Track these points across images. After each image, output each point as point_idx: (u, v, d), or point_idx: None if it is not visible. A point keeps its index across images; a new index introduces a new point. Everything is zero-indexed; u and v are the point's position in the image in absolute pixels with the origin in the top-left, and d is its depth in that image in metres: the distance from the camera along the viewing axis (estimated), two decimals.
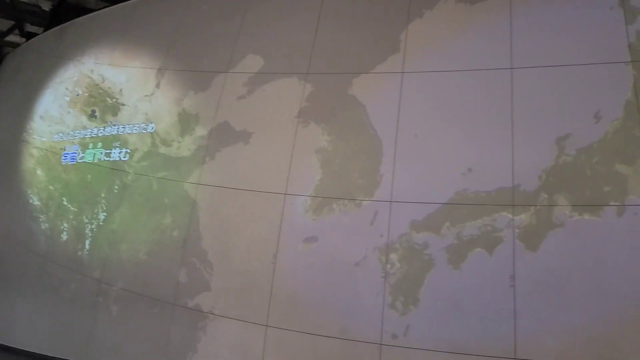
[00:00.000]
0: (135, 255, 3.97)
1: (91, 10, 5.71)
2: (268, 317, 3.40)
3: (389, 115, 3.51)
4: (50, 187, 4.77)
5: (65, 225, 4.49)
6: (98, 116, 4.67)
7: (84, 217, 4.37)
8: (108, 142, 4.48)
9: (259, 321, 3.42)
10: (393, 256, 3.24)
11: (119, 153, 4.36)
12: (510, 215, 3.08)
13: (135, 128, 4.35)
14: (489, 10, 3.54)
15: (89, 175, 4.51)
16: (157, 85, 4.38)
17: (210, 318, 3.56)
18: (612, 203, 2.94)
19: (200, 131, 4.02)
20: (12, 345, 4.42)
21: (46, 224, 4.65)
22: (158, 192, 4.03)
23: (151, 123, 4.29)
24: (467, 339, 2.99)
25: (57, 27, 5.69)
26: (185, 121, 4.12)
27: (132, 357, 3.79)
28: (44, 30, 6.12)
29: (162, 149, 4.14)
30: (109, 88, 4.70)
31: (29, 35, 6.57)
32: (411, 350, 3.07)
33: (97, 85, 4.79)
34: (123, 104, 4.54)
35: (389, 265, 3.23)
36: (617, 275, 2.84)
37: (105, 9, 5.35)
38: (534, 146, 3.15)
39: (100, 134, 4.56)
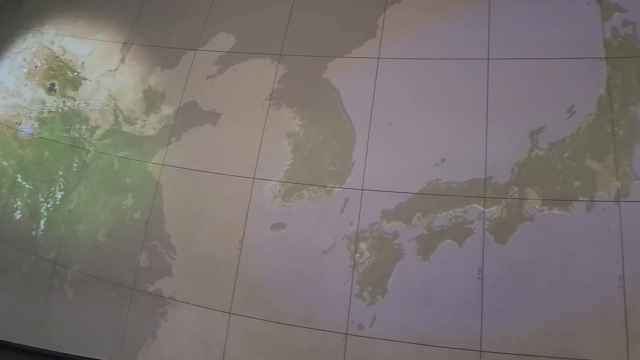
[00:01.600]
0: (94, 237, 3.81)
1: None
2: (232, 304, 3.31)
3: (363, 101, 3.45)
4: (4, 162, 4.51)
5: (19, 203, 4.26)
6: (58, 90, 4.43)
7: (40, 196, 4.16)
8: (68, 118, 4.26)
9: (222, 308, 3.32)
10: (362, 245, 3.19)
11: (79, 130, 4.15)
12: (481, 208, 3.07)
13: (97, 104, 4.15)
14: None
15: (46, 152, 4.29)
16: (122, 60, 4.18)
17: (172, 304, 3.44)
18: (581, 198, 2.97)
19: (167, 110, 3.87)
20: None
21: None
22: (120, 171, 3.86)
23: (114, 99, 4.09)
24: (434, 330, 2.98)
25: None
26: (151, 99, 3.96)
27: (88, 343, 3.63)
28: None
29: (126, 127, 3.96)
30: (70, 61, 4.46)
31: None
32: (377, 341, 3.04)
33: (58, 57, 4.55)
34: (85, 79, 4.32)
35: (357, 254, 3.18)
36: (581, 269, 2.88)
37: None
38: (508, 139, 3.15)
39: (59, 109, 4.33)
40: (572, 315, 2.84)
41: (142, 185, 3.74)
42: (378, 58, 3.52)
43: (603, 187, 2.95)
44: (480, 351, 2.87)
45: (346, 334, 3.08)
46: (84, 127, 4.13)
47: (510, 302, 2.92)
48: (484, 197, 3.08)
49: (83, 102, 4.23)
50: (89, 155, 4.04)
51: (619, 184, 2.93)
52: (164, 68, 4.00)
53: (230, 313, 3.30)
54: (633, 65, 3.11)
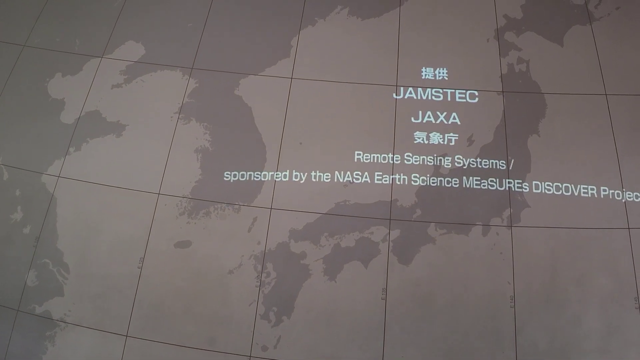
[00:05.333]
0: None
1: None
2: (129, 326, 3.13)
3: (275, 120, 3.45)
4: None
5: None
6: None
7: None
8: None
9: (119, 330, 3.13)
10: (269, 265, 3.15)
11: None
12: (386, 229, 3.16)
13: None
14: (379, 26, 3.65)
15: None
16: (19, 63, 3.88)
17: (61, 326, 3.19)
18: (478, 222, 3.14)
19: (66, 118, 3.62)
20: None
21: None
22: (9, 182, 3.55)
23: (7, 104, 3.77)
24: (337, 350, 3.00)
25: None
26: (49, 106, 3.69)
27: None
28: None
29: (18, 134, 3.66)
30: None
31: None
32: None
33: None
34: None
35: (264, 274, 3.14)
36: (476, 289, 3.05)
37: None
38: (413, 163, 3.29)
39: None
40: (467, 333, 2.99)
41: (34, 198, 3.46)
42: (291, 78, 3.55)
43: (498, 212, 3.15)
44: None
45: (250, 356, 3.01)
46: None
47: (411, 321, 3.02)
48: (390, 219, 3.17)
49: None
50: None
51: (512, 210, 3.14)
52: (65, 74, 3.75)
53: (127, 336, 3.12)
54: (525, 99, 3.38)
